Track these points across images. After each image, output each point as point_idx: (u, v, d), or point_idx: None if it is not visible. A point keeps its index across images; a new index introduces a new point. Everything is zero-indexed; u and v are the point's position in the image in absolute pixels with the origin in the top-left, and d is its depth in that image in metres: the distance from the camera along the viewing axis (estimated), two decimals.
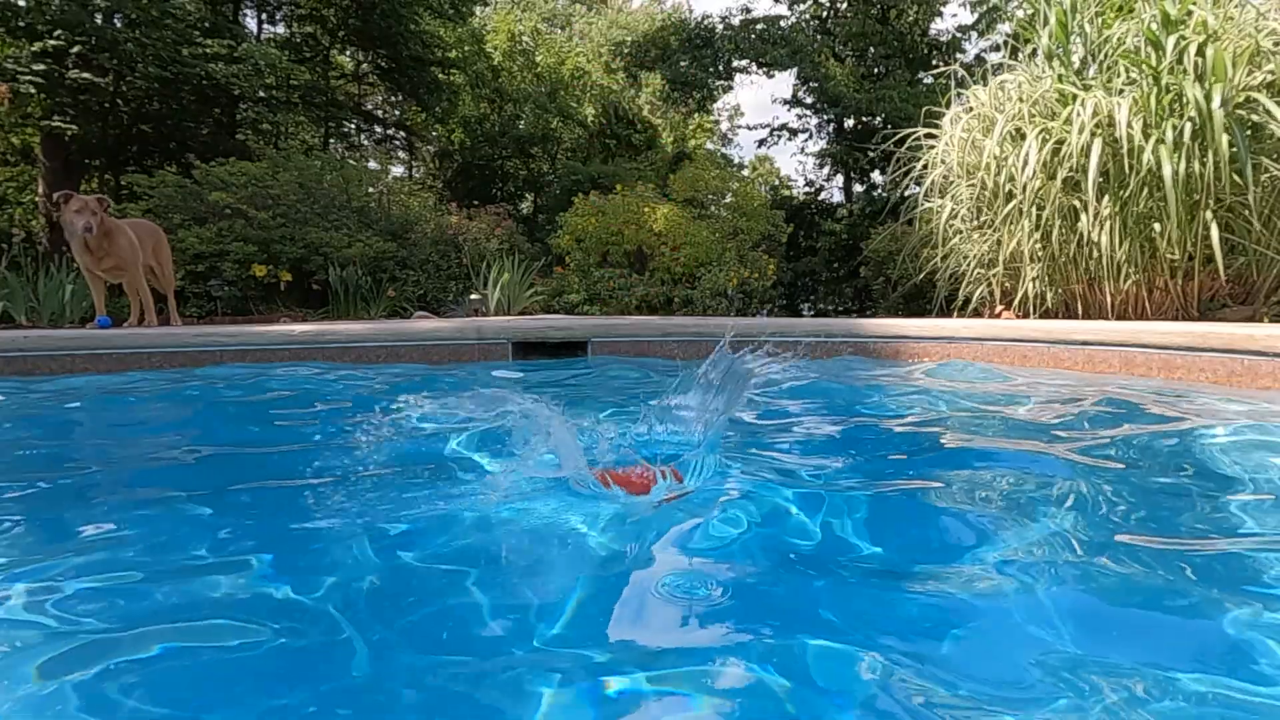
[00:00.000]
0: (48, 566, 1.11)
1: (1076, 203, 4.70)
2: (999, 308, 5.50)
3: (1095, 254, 4.63)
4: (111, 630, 0.91)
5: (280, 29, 12.30)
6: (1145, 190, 4.38)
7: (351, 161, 11.40)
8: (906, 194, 7.04)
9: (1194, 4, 4.46)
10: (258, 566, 1.10)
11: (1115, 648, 0.87)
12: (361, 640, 0.88)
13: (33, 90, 7.80)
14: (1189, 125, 4.17)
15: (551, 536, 1.23)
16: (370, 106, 14.53)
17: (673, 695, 0.76)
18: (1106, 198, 4.55)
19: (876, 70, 13.44)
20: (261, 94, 10.24)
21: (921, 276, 6.20)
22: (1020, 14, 7.03)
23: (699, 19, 13.37)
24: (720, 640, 0.88)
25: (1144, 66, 4.55)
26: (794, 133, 14.88)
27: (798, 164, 35.80)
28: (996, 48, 12.26)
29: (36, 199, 10.22)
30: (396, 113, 14.67)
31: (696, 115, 17.78)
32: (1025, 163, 4.70)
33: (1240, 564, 1.11)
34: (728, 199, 9.13)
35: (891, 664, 0.81)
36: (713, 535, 1.21)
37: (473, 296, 7.53)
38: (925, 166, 6.01)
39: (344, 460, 1.74)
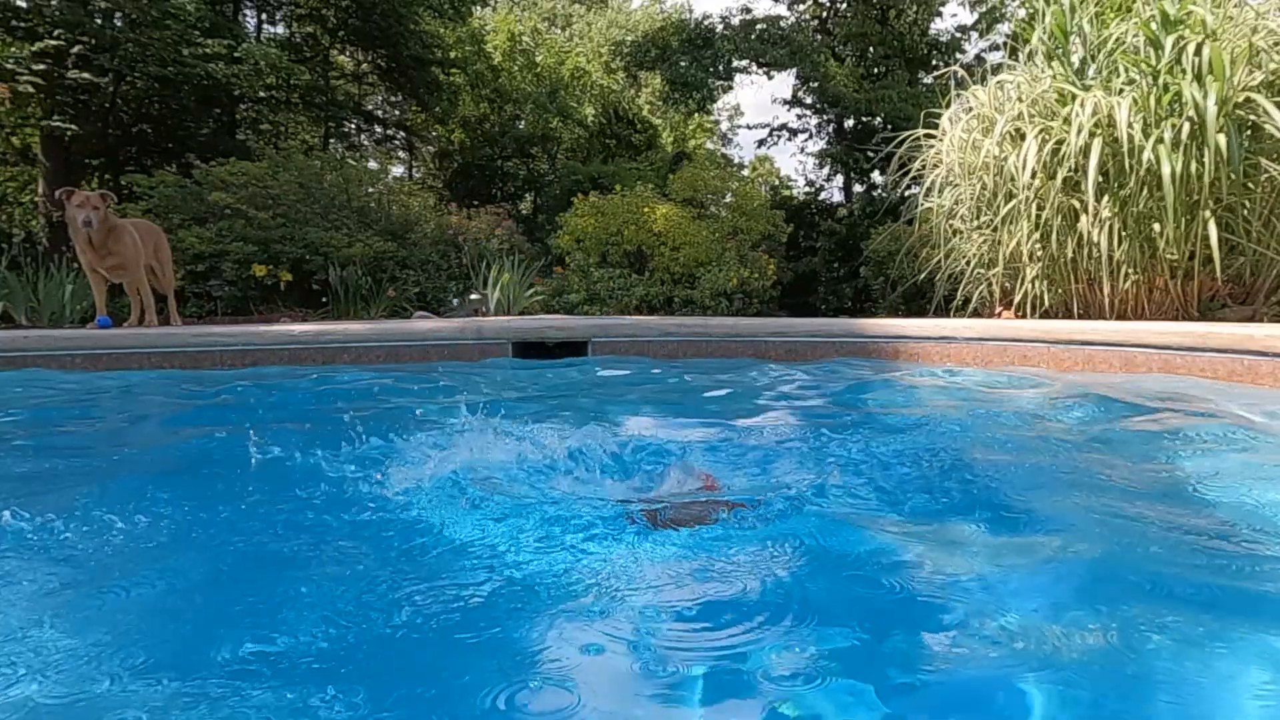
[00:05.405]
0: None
1: (1076, 203, 4.70)
2: (998, 308, 5.50)
3: (1095, 254, 4.63)
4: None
5: (280, 29, 12.30)
6: (1145, 190, 4.38)
7: (351, 161, 11.39)
8: (906, 194, 7.04)
9: (1193, 3, 4.46)
10: None
11: None
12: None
13: (32, 90, 7.79)
14: (1188, 125, 4.17)
15: None
16: (370, 106, 14.53)
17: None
18: (1106, 198, 4.54)
19: (876, 70, 13.43)
20: (261, 94, 10.23)
21: (921, 276, 6.20)
22: (1020, 14, 7.04)
23: (699, 19, 13.36)
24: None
25: (1143, 66, 4.55)
26: (794, 133, 14.86)
27: (798, 164, 35.77)
28: (996, 48, 12.27)
29: (36, 199, 10.21)
30: (396, 113, 14.66)
31: (696, 115, 17.80)
32: (1025, 163, 4.69)
33: None
34: (728, 199, 9.13)
35: None
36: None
37: (473, 296, 7.52)
38: (925, 166, 6.00)
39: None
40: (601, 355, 4.16)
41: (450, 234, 8.51)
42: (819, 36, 13.43)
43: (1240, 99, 4.17)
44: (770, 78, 13.58)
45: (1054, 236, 4.81)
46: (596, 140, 14.85)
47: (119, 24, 8.40)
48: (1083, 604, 0.99)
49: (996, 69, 5.84)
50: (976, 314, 5.62)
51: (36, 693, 0.78)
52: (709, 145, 22.15)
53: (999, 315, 5.39)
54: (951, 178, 5.69)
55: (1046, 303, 5.04)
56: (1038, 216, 4.85)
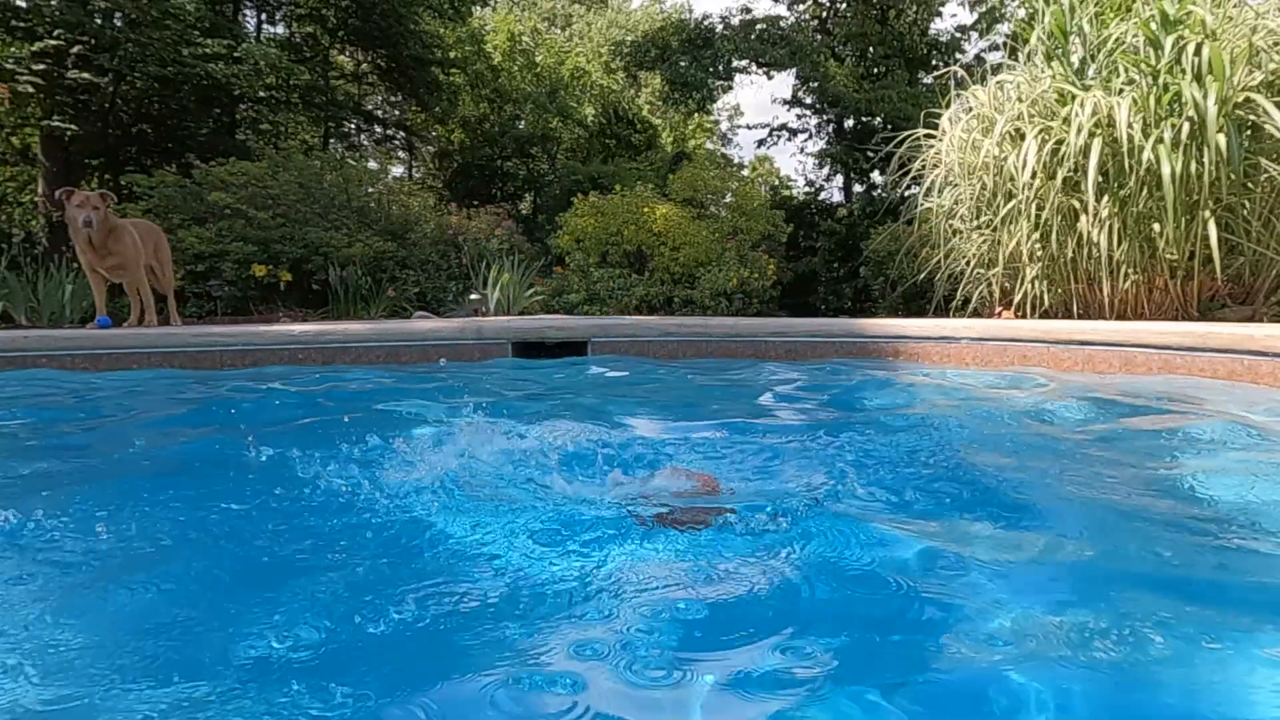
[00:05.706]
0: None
1: (1076, 203, 4.70)
2: (998, 308, 5.50)
3: (1095, 254, 4.63)
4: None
5: (280, 29, 12.31)
6: (1144, 190, 4.38)
7: (351, 161, 11.39)
8: (906, 194, 7.04)
9: (1193, 3, 4.46)
10: None
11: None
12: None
13: (32, 90, 7.79)
14: (1188, 125, 4.17)
15: None
16: (370, 106, 14.53)
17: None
18: (1106, 197, 4.54)
19: (876, 70, 13.43)
20: (261, 94, 10.23)
21: (921, 276, 6.20)
22: (1020, 14, 7.04)
23: (699, 19, 13.37)
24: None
25: (1143, 66, 4.55)
26: (794, 133, 14.86)
27: (798, 164, 35.71)
28: (996, 48, 12.27)
29: (36, 199, 10.22)
30: (396, 113, 14.67)
31: (696, 115, 17.80)
32: (1025, 163, 4.70)
33: None
34: (727, 199, 9.13)
35: None
36: None
37: (473, 296, 7.52)
38: (925, 166, 6.01)
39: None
40: (601, 355, 4.16)
41: (450, 234, 8.51)
42: (819, 36, 13.43)
43: (1240, 99, 4.17)
44: (770, 78, 13.59)
45: (1054, 236, 4.81)
46: (596, 140, 14.86)
47: (119, 24, 8.40)
48: (1085, 603, 0.99)
49: (996, 69, 5.84)
50: (976, 314, 5.62)
51: (37, 694, 0.78)
52: (709, 145, 22.18)
53: (999, 315, 5.39)
54: (951, 178, 5.70)
55: (1046, 303, 5.04)
56: (1037, 216, 4.85)
